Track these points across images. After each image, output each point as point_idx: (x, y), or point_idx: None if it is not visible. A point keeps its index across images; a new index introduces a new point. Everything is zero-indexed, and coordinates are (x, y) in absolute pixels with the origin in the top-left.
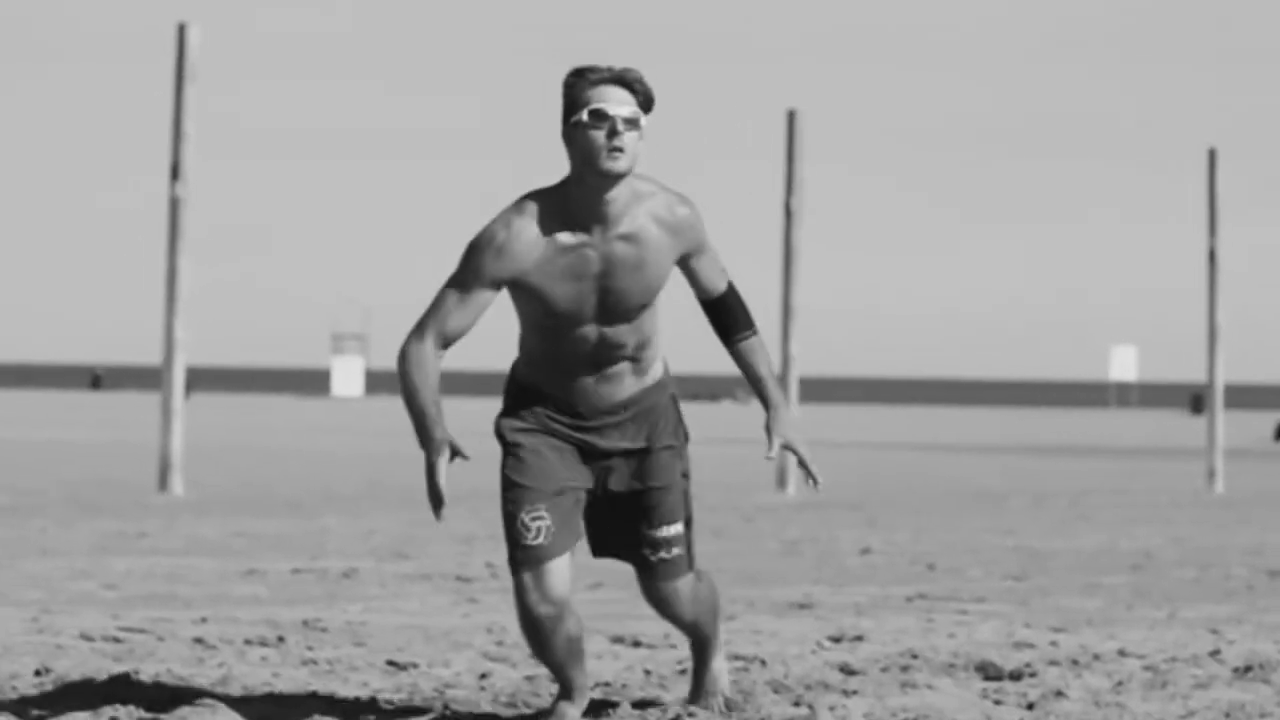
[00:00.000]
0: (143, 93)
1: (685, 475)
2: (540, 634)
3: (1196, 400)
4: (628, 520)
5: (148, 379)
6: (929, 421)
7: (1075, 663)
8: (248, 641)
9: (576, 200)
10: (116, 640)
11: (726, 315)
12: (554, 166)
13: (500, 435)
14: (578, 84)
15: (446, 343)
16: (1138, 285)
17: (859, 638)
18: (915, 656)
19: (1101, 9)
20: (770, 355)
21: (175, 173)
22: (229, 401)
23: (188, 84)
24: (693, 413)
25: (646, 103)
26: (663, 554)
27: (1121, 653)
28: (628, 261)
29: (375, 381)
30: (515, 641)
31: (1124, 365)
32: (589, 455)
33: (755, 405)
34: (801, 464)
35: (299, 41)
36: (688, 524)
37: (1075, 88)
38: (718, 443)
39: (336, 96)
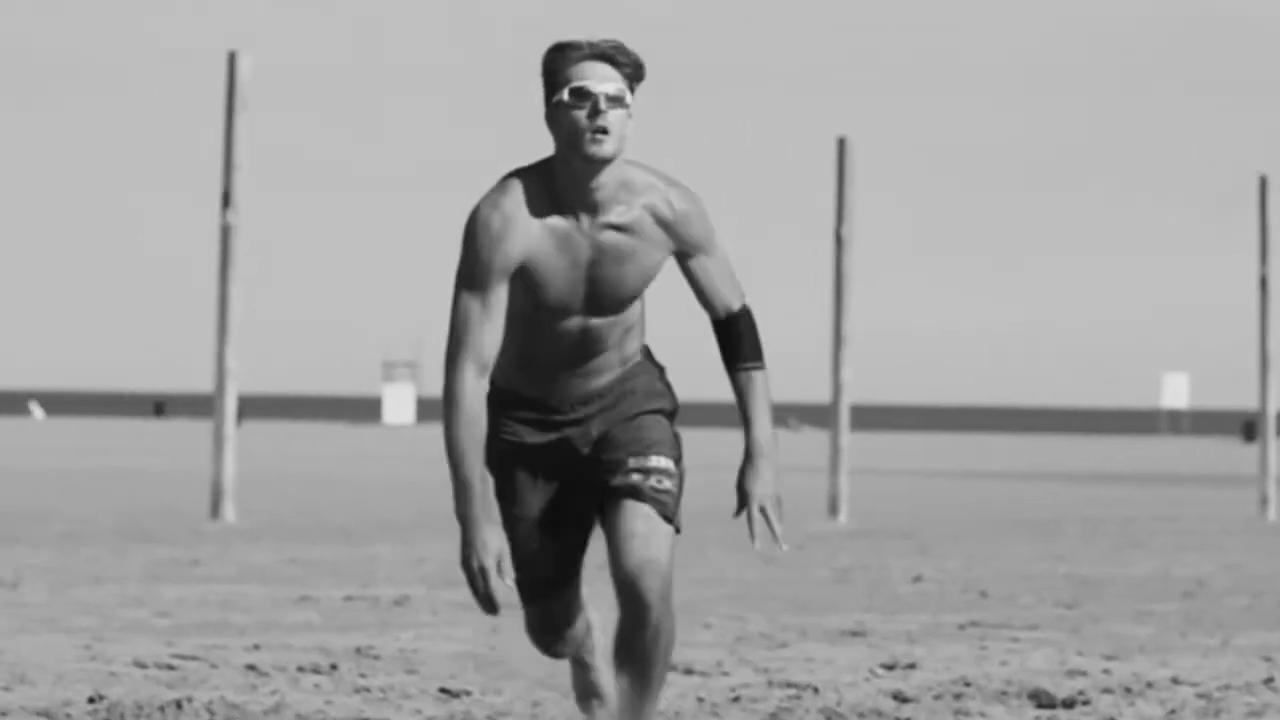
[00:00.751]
0: (197, 120)
1: (677, 437)
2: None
3: (1248, 427)
4: (612, 456)
5: (207, 407)
6: (980, 448)
7: (1128, 690)
8: (300, 669)
9: (562, 183)
10: (170, 668)
11: (734, 340)
12: None
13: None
14: (558, 60)
15: (487, 366)
16: (1189, 312)
17: (912, 665)
18: (968, 684)
19: (1150, 36)
20: (770, 396)
21: (226, 200)
22: (281, 429)
23: (239, 112)
24: (736, 439)
25: (636, 74)
26: (652, 482)
27: (1175, 681)
28: (618, 251)
29: (427, 409)
30: (567, 669)
31: (1176, 392)
32: (569, 455)
33: (807, 433)
34: (769, 527)
35: (350, 70)
36: (679, 485)
37: (1126, 115)
38: None
39: (388, 126)
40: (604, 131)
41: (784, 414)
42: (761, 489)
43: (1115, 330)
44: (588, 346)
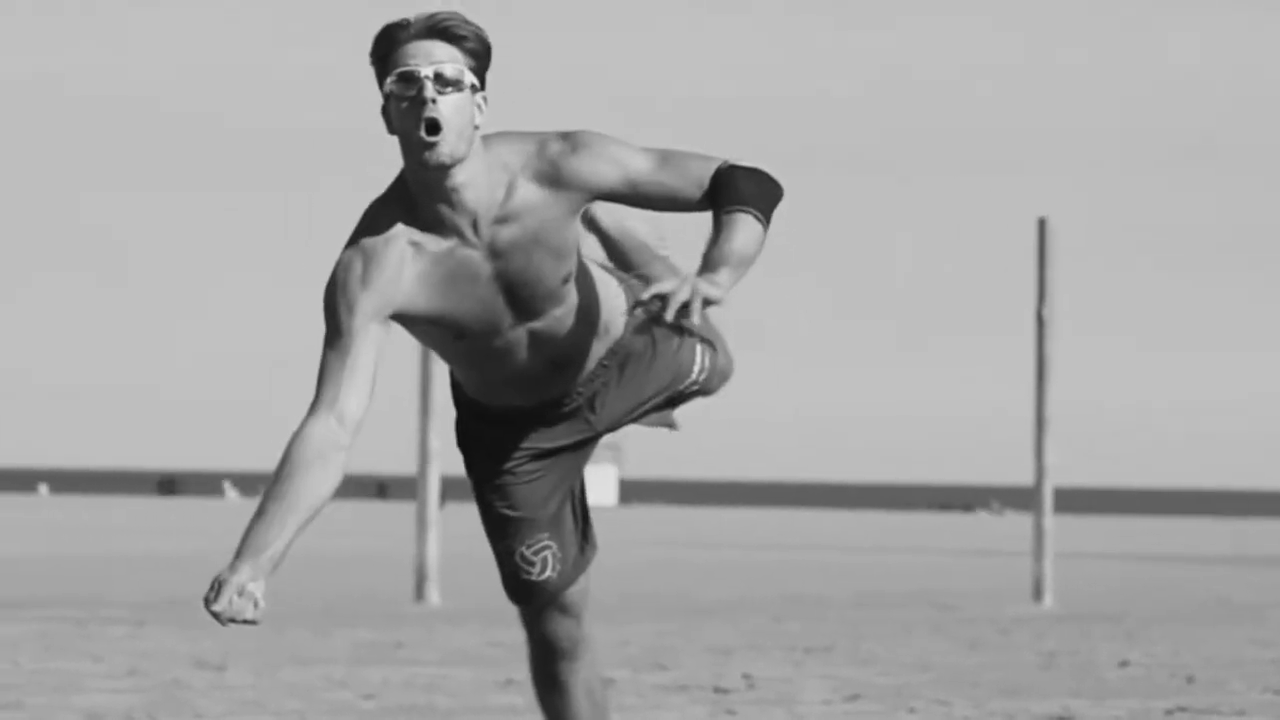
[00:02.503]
0: None
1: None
2: (558, 689)
3: None
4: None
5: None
6: (1187, 532)
7: None
8: None
9: (422, 198)
10: None
11: (718, 194)
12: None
13: (467, 458)
14: (383, 45)
15: (346, 419)
16: None
17: None
18: None
19: None
20: (756, 238)
21: None
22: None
23: None
24: (947, 524)
25: (480, 49)
26: (696, 378)
27: None
28: (516, 244)
29: (629, 491)
30: None
31: None
32: (572, 416)
33: (1010, 516)
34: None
35: None
36: (706, 342)
37: None
38: (973, 554)
39: None
40: (435, 129)
41: (986, 497)
42: (703, 274)
43: None
44: (549, 348)
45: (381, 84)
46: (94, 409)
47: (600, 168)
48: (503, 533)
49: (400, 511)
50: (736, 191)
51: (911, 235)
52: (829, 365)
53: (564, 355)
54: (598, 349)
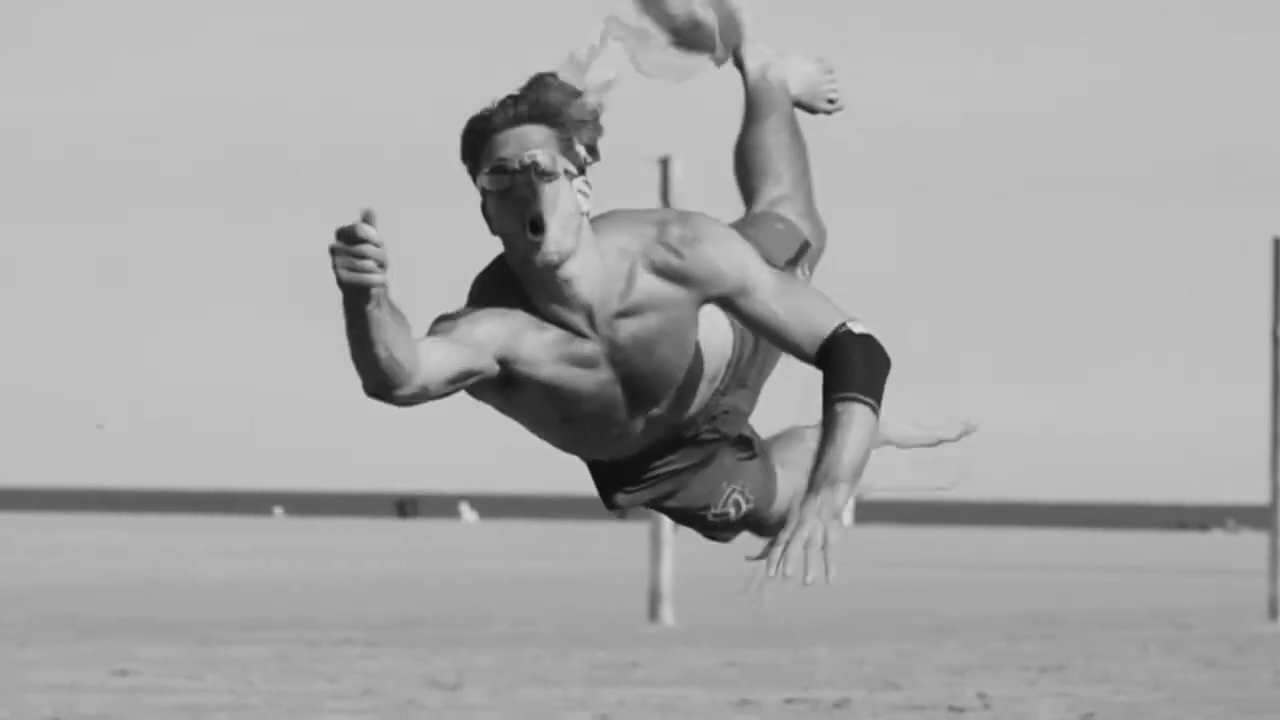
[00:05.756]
0: None
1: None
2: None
3: None
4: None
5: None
6: None
7: None
8: None
9: (532, 289)
10: None
11: (831, 371)
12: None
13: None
14: (470, 138)
15: (415, 369)
16: None
17: None
18: None
19: None
20: (871, 434)
21: None
22: None
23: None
24: (1182, 542)
25: (580, 124)
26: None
27: None
28: (641, 340)
29: (864, 511)
30: None
31: None
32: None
33: (1244, 534)
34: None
35: None
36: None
37: None
38: (1208, 573)
39: None
40: (539, 227)
41: (1222, 515)
42: (807, 515)
43: None
44: (660, 428)
45: (474, 180)
46: (330, 430)
47: (721, 267)
48: (685, 514)
49: (634, 532)
50: (849, 375)
51: (1145, 252)
52: (1063, 382)
53: (674, 429)
54: (705, 392)
